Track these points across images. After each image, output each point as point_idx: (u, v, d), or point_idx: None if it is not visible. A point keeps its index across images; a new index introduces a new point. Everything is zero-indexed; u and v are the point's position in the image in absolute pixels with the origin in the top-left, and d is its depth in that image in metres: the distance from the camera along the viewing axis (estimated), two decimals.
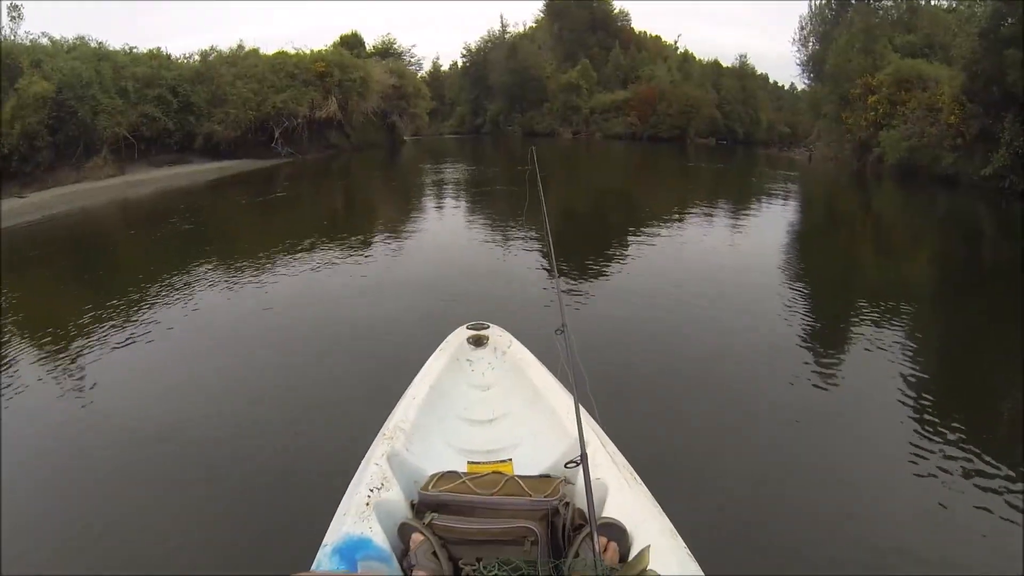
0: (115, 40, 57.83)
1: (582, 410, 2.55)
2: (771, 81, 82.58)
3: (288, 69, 40.96)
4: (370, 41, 61.54)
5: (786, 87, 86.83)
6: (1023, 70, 29.54)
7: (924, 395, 5.88)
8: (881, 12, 50.52)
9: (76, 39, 32.41)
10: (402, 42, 65.46)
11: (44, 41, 31.29)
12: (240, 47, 41.67)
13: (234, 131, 37.00)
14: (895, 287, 10.75)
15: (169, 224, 17.23)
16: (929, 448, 4.87)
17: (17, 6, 30.70)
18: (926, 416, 5.41)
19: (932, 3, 51.61)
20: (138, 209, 23.26)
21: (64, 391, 6.03)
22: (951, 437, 4.98)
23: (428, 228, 14.63)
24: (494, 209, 15.35)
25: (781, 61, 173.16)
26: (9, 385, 6.13)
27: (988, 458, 4.69)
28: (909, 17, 50.74)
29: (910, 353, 6.97)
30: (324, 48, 46.71)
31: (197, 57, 39.32)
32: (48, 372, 6.53)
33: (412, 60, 64.11)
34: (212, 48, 40.35)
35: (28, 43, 30.32)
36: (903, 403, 5.71)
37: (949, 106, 36.29)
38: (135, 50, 35.87)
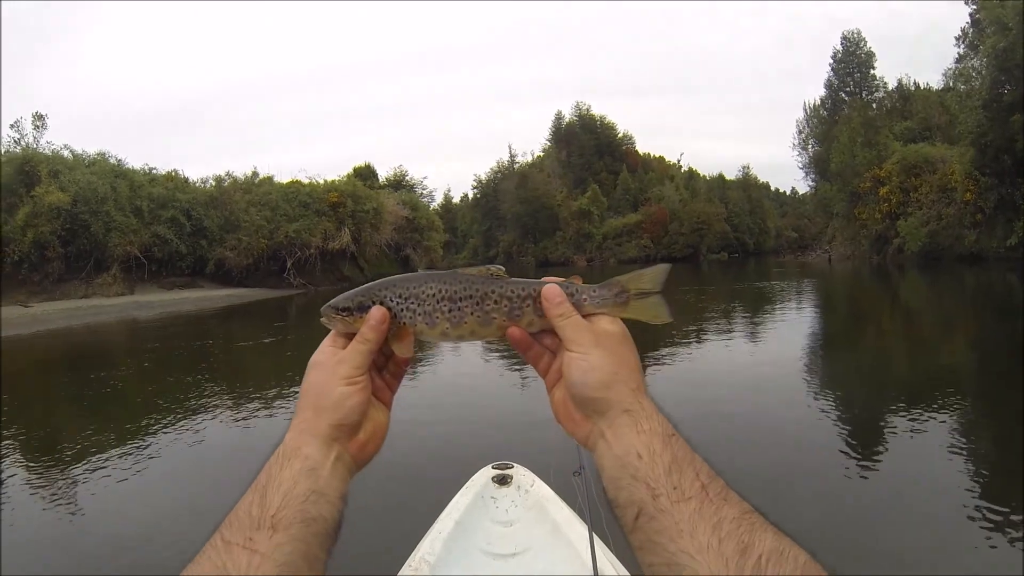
0: (135, 159, 60.36)
1: (598, 542, 2.67)
2: (772, 188, 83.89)
3: (301, 198, 41.76)
4: (383, 173, 63.90)
5: (787, 192, 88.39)
6: None
7: (972, 485, 5.67)
8: (875, 104, 51.53)
9: (97, 154, 33.57)
10: (414, 174, 67.68)
11: (65, 153, 32.29)
12: (255, 174, 42.92)
13: (246, 259, 37.24)
14: (932, 376, 10.49)
15: (177, 351, 16.53)
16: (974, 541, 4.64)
17: (42, 115, 31.91)
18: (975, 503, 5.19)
19: (922, 87, 53.01)
20: (146, 332, 22.58)
21: (52, 508, 6.05)
22: (995, 523, 4.78)
23: (447, 367, 14.03)
24: (497, 349, 14.96)
25: (779, 166, 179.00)
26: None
27: None
28: (903, 104, 51.88)
29: (951, 444, 6.76)
30: (337, 178, 47.99)
31: (212, 182, 40.40)
32: (39, 488, 6.61)
33: (424, 192, 65.98)
34: (228, 174, 41.62)
35: (49, 152, 31.18)
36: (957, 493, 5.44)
37: (963, 183, 35.99)
38: (154, 171, 36.92)
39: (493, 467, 3.76)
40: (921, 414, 7.80)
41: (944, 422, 7.53)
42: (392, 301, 0.81)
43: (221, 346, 17.62)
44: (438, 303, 0.81)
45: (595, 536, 2.63)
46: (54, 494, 6.48)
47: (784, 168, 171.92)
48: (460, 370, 13.47)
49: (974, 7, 36.62)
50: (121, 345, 19.65)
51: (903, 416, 7.84)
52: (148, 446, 7.90)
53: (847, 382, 10.75)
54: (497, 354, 14.49)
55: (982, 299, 23.53)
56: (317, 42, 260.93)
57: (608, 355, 0.74)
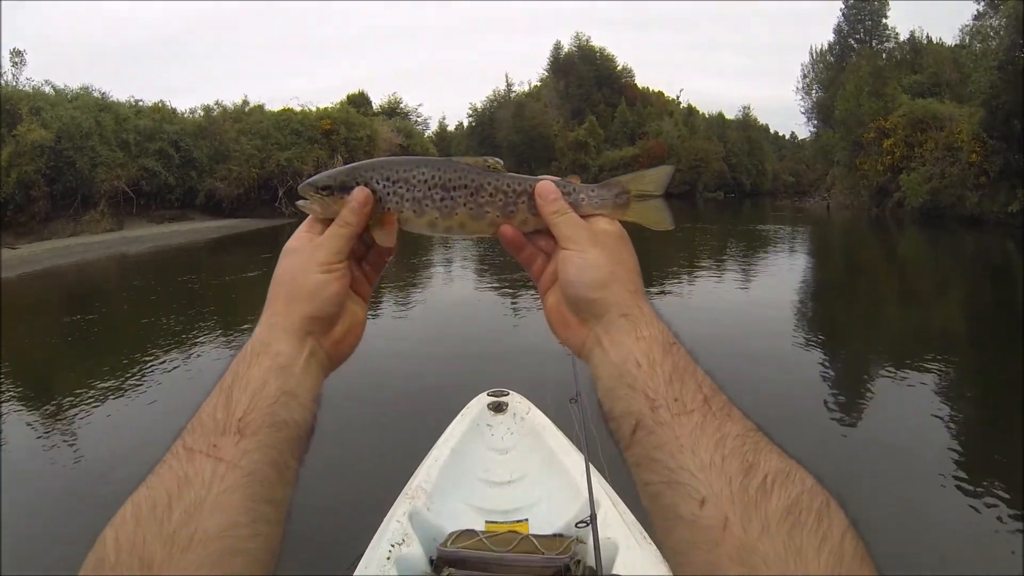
0: (121, 92, 58.36)
1: (594, 472, 2.66)
2: (771, 131, 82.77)
3: (293, 126, 40.52)
4: (377, 100, 62.27)
5: (787, 136, 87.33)
6: None
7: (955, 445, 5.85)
8: (885, 54, 50.19)
9: (80, 88, 32.29)
10: (409, 101, 66.00)
11: (47, 89, 31.10)
12: (244, 103, 41.40)
13: (237, 189, 36.36)
14: (922, 336, 10.55)
15: (166, 286, 16.22)
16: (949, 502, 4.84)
17: (20, 51, 30.54)
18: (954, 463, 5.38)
19: (935, 41, 51.74)
20: (136, 266, 22.12)
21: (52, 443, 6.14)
22: (972, 490, 4.92)
23: (441, 296, 13.85)
24: (510, 277, 14.62)
25: (780, 110, 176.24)
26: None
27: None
28: (913, 57, 50.82)
29: (934, 407, 6.82)
30: (330, 106, 46.41)
31: (201, 112, 39.07)
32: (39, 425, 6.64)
33: (419, 120, 64.68)
34: (217, 103, 40.24)
35: (30, 90, 30.02)
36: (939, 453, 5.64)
37: (969, 144, 35.38)
38: (140, 103, 35.64)
39: (489, 394, 3.80)
40: (907, 374, 7.77)
41: (928, 384, 7.49)
42: (378, 183, 0.75)
43: (211, 279, 17.39)
44: (429, 190, 0.75)
45: (591, 465, 2.65)
46: (48, 431, 6.49)
47: (784, 111, 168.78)
48: (455, 298, 13.37)
49: None
50: (109, 283, 19.35)
51: (888, 376, 7.82)
52: (141, 384, 7.80)
53: (836, 334, 10.79)
54: (492, 281, 14.42)
55: (979, 263, 23.51)
56: None
57: (606, 254, 0.71)
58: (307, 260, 0.71)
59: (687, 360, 0.65)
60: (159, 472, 0.60)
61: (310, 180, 0.76)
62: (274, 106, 43.04)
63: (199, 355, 9.04)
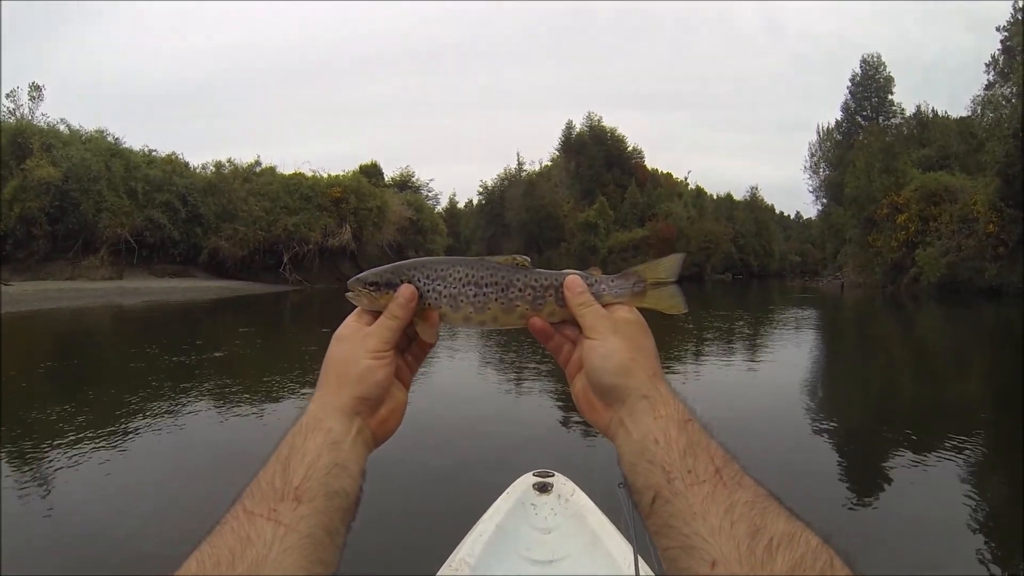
0: (136, 139, 58.96)
1: (640, 561, 2.34)
2: (777, 211, 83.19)
3: (303, 191, 40.60)
4: (389, 172, 62.90)
5: (791, 216, 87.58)
6: None
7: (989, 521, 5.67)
8: (892, 130, 50.54)
9: (95, 131, 32.46)
10: (421, 175, 66.65)
11: (61, 127, 31.13)
12: (256, 162, 41.78)
13: (241, 250, 36.05)
14: (948, 409, 10.37)
15: (163, 344, 15.28)
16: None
17: (39, 86, 30.79)
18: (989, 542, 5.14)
19: (940, 115, 52.21)
20: (132, 322, 21.28)
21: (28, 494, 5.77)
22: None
23: (487, 376, 13.44)
24: (555, 361, 14.07)
25: (784, 189, 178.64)
26: None
27: None
28: (920, 132, 51.04)
29: (954, 484, 6.57)
30: (342, 174, 46.58)
31: (212, 167, 39.22)
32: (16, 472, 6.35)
33: (430, 195, 65.17)
34: (228, 160, 40.41)
35: (44, 126, 30.09)
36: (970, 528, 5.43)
37: (985, 214, 34.88)
38: (154, 152, 35.73)
39: (534, 475, 3.80)
40: (927, 451, 7.63)
41: (950, 460, 7.30)
42: (420, 281, 0.83)
43: (207, 343, 16.31)
44: (464, 287, 0.83)
45: (639, 557, 2.44)
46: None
47: (789, 191, 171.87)
48: (505, 380, 12.88)
49: (1005, 34, 35.81)
50: (99, 334, 18.36)
51: (906, 451, 7.65)
52: (123, 448, 7.26)
53: (853, 410, 10.65)
54: (537, 363, 13.80)
55: (1001, 335, 22.44)
56: (332, 36, 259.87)
57: (626, 342, 0.76)
58: (358, 347, 0.79)
59: (701, 434, 0.71)
60: (220, 532, 0.66)
61: (359, 276, 0.84)
62: (286, 169, 43.50)
63: (181, 426, 8.34)
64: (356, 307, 0.83)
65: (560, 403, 10.30)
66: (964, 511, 5.86)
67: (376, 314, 0.81)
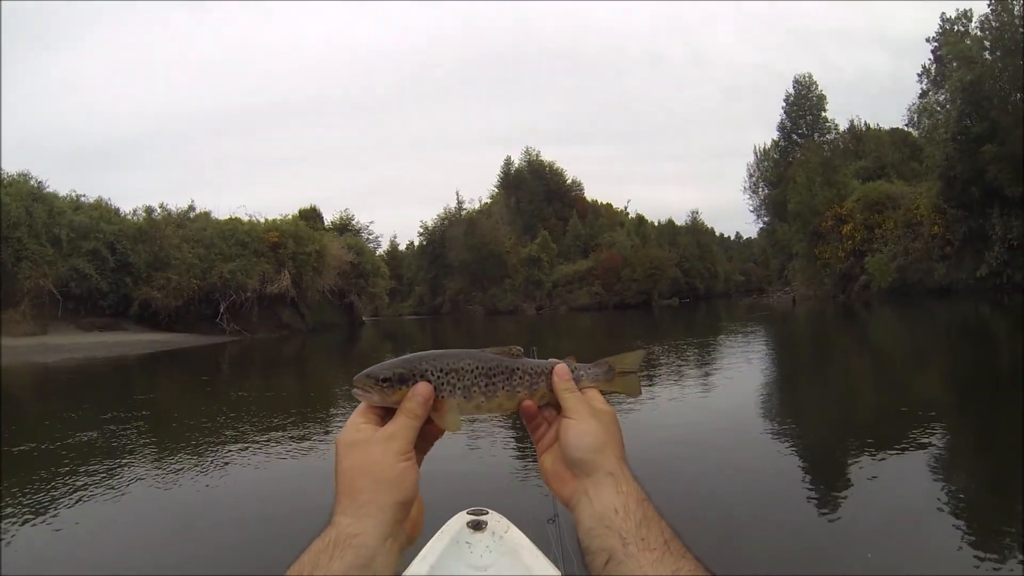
0: (62, 184, 55.63)
1: None
2: (717, 233, 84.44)
3: (239, 237, 38.34)
4: (328, 216, 61.18)
5: (731, 237, 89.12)
6: (1002, 162, 29.24)
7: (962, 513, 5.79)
8: (828, 145, 51.80)
9: (18, 174, 29.84)
10: (360, 218, 64.98)
11: None
12: (190, 208, 39.27)
13: (175, 300, 33.48)
14: (911, 407, 10.52)
15: (93, 406, 13.36)
16: None
17: None
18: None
19: (872, 128, 54.05)
20: (58, 381, 18.90)
21: None
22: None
23: None
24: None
25: (722, 212, 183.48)
26: None
27: None
28: (856, 145, 52.55)
29: (922, 480, 6.72)
30: (280, 218, 44.56)
31: (143, 213, 36.59)
32: None
33: (370, 237, 63.39)
34: (161, 206, 37.82)
35: None
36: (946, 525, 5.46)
37: (929, 217, 35.59)
38: (82, 198, 33.33)
39: (468, 513, 3.75)
40: (890, 450, 7.80)
41: (915, 456, 7.49)
42: (433, 375, 0.87)
43: (139, 401, 14.36)
44: (476, 378, 0.89)
45: None
46: None
47: (727, 213, 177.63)
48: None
49: (935, 44, 37.41)
50: (19, 397, 16.12)
51: (872, 453, 7.72)
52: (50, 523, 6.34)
53: (821, 415, 10.80)
54: None
55: (956, 331, 23.22)
56: (267, 82, 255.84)
57: (602, 426, 0.87)
58: (385, 451, 0.80)
59: (654, 512, 0.80)
60: None
61: (368, 372, 0.85)
62: (221, 214, 41.18)
63: (117, 495, 7.26)
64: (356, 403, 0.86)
65: (492, 441, 9.99)
66: (931, 503, 5.94)
67: (383, 411, 0.84)
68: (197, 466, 8.08)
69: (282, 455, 8.72)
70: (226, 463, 8.23)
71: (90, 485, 7.28)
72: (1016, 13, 30.71)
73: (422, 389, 0.83)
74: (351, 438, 0.81)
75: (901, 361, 17.16)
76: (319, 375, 20.50)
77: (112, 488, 7.27)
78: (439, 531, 3.55)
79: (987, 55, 32.03)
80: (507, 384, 0.90)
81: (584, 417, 0.87)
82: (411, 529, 0.82)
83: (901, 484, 6.67)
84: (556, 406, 0.90)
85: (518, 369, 0.90)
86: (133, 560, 5.46)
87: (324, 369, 25.50)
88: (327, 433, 9.98)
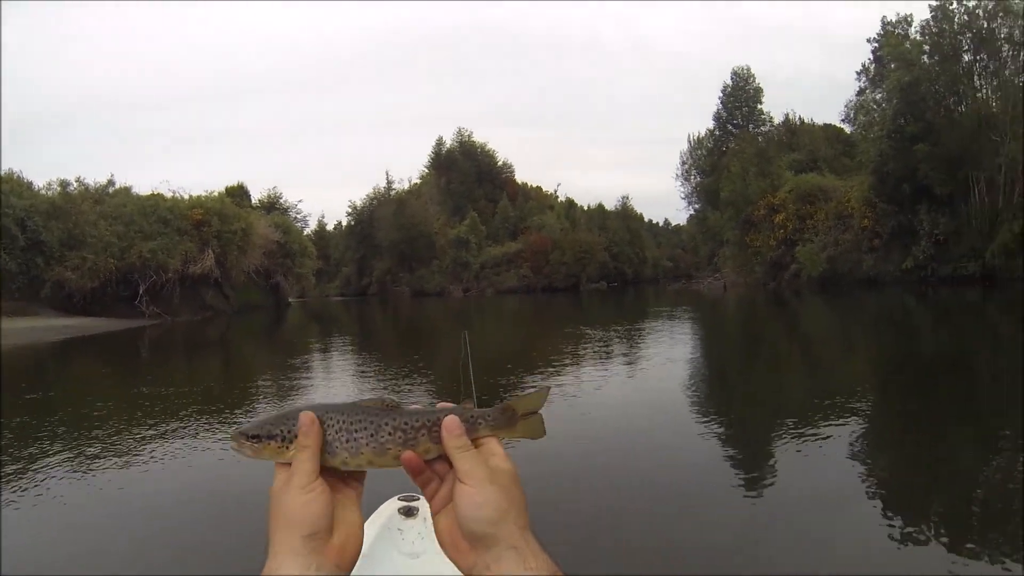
0: None
1: None
2: (647, 219, 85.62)
3: (161, 213, 35.74)
4: (256, 194, 58.76)
5: (660, 223, 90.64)
6: (934, 161, 30.43)
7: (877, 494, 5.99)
8: (763, 137, 53.05)
9: None
10: (289, 197, 62.53)
11: None
12: (109, 182, 36.58)
13: (91, 281, 30.95)
14: (840, 392, 10.60)
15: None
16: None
17: None
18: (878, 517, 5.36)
19: (807, 122, 55.77)
20: None
21: None
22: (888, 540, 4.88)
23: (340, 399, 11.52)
24: (413, 383, 13.82)
25: (652, 199, 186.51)
26: None
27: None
28: (790, 138, 53.97)
29: (847, 462, 6.88)
30: (204, 194, 41.72)
31: (57, 187, 33.69)
32: None
33: (298, 216, 61.12)
34: (77, 180, 35.07)
35: None
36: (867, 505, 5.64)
37: (860, 210, 36.88)
38: None
39: (399, 499, 3.77)
40: (817, 434, 7.89)
41: (841, 439, 7.61)
42: (295, 434, 0.85)
43: (52, 394, 12.88)
44: (336, 434, 0.85)
45: None
46: None
47: (656, 200, 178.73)
48: (352, 396, 10.97)
49: (876, 44, 38.74)
50: None
51: (799, 437, 7.86)
52: None
53: (750, 399, 10.98)
54: (397, 388, 12.93)
55: (883, 320, 24.07)
56: (197, 56, 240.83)
57: (501, 492, 0.80)
58: (287, 487, 0.79)
59: None
60: None
61: (241, 430, 0.85)
62: (143, 190, 38.45)
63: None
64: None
65: None
66: (856, 482, 6.16)
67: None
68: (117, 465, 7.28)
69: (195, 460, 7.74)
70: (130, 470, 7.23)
71: None
72: (955, 22, 32.17)
73: (303, 419, 0.81)
74: (271, 490, 0.80)
75: (829, 348, 17.65)
76: (243, 361, 19.28)
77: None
78: (370, 518, 3.54)
79: (925, 59, 33.43)
80: (372, 441, 0.84)
81: (480, 483, 0.78)
82: (337, 557, 0.78)
83: (827, 466, 6.75)
84: (448, 460, 0.82)
85: (386, 424, 0.84)
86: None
87: (251, 347, 24.17)
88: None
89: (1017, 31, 30.28)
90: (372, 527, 3.44)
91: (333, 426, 0.84)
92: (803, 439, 7.64)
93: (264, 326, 34.79)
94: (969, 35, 31.63)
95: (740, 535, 5.24)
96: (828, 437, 7.62)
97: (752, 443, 8.07)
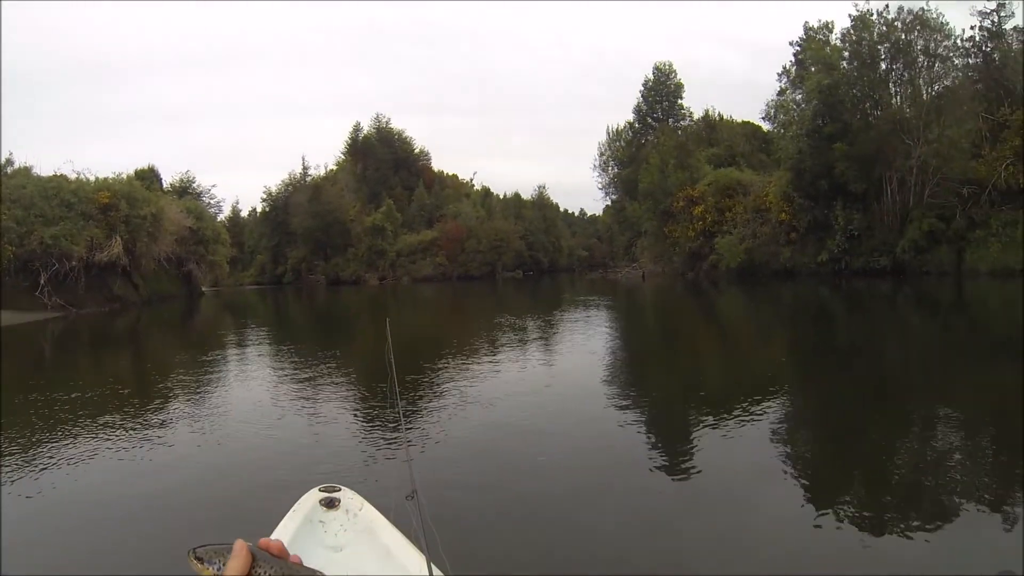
0: None
1: (435, 568, 2.71)
2: (562, 209, 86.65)
3: (64, 196, 33.14)
4: (168, 178, 55.78)
5: (575, 213, 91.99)
6: (850, 160, 32.10)
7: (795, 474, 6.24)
8: (680, 131, 54.52)
9: None
10: (202, 181, 59.66)
11: None
12: (8, 162, 33.89)
13: None
14: (755, 379, 11.15)
15: None
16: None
17: None
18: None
19: (726, 118, 57.89)
20: None
21: None
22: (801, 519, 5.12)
23: (266, 389, 12.10)
24: (330, 368, 14.04)
25: (568, 189, 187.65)
26: None
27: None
28: (709, 133, 55.78)
29: (761, 445, 7.11)
30: (112, 176, 38.97)
31: None
32: None
33: (212, 202, 58.34)
34: None
35: None
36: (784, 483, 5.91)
37: (778, 204, 38.63)
38: None
39: (320, 490, 3.75)
40: (736, 417, 8.05)
41: (759, 422, 7.81)
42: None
43: None
44: None
45: (432, 565, 2.71)
46: None
47: (573, 190, 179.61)
48: (275, 393, 11.71)
49: (798, 48, 40.97)
50: None
51: (718, 421, 8.02)
52: None
53: (670, 385, 11.27)
54: (313, 376, 13.09)
55: (800, 310, 25.65)
56: (104, 32, 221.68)
57: None
58: None
59: None
60: None
61: (193, 548, 0.95)
62: (44, 171, 35.72)
63: None
64: None
65: (342, 414, 9.90)
66: (774, 462, 6.42)
67: None
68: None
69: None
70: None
71: None
72: (875, 32, 34.07)
73: (236, 546, 0.89)
74: None
75: (747, 335, 18.75)
76: (153, 357, 18.04)
77: None
78: (291, 510, 3.51)
79: (845, 64, 35.24)
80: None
81: None
82: None
83: (746, 448, 6.93)
84: None
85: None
86: None
87: (161, 342, 22.83)
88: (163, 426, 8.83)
89: (932, 44, 32.29)
90: (293, 520, 3.39)
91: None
92: (722, 423, 7.85)
93: (176, 318, 33.22)
94: (887, 44, 33.56)
95: (660, 517, 5.35)
96: (746, 420, 7.87)
97: (671, 428, 8.27)
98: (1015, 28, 32.76)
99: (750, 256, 40.04)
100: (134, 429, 8.73)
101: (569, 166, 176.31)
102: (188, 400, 11.08)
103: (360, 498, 3.74)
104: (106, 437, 8.28)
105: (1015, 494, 5.58)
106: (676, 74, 59.04)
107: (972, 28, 33.68)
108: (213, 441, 8.28)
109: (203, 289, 47.95)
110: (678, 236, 46.58)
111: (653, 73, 59.06)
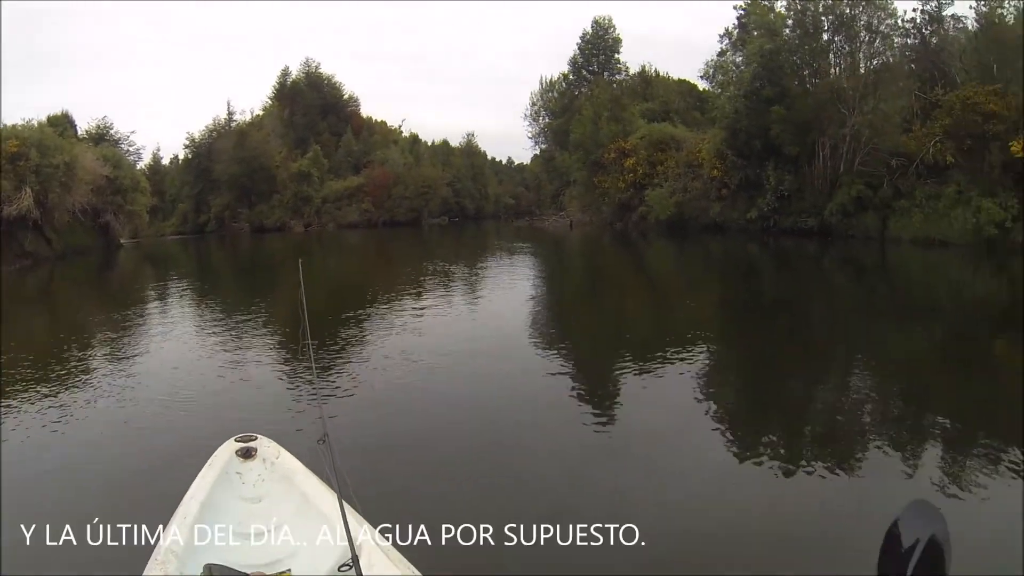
0: None
1: (353, 512, 2.71)
2: (490, 157, 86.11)
3: None
4: (83, 125, 52.69)
5: (503, 161, 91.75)
6: (786, 124, 33.23)
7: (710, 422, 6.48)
8: (615, 84, 54.87)
9: None
10: (120, 128, 56.22)
11: None
12: None
13: None
14: (683, 329, 11.41)
15: None
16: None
17: None
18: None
19: (662, 75, 58.56)
20: None
21: None
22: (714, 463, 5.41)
23: (163, 346, 11.96)
24: (240, 320, 14.08)
25: (496, 137, 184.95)
26: None
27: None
28: (644, 88, 56.33)
29: (685, 393, 7.32)
30: (20, 123, 36.58)
31: None
32: None
33: (130, 149, 55.31)
34: None
35: None
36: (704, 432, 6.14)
37: (710, 161, 39.93)
38: None
39: (236, 440, 3.66)
40: (661, 368, 8.34)
41: (684, 373, 8.10)
42: None
43: None
44: None
45: (345, 504, 2.69)
46: None
47: (501, 139, 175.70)
48: (179, 347, 11.84)
49: (742, 11, 41.46)
50: None
51: (642, 371, 8.27)
52: None
53: (596, 340, 11.34)
54: (219, 326, 13.21)
55: (729, 264, 26.97)
56: None
57: None
58: None
59: None
60: None
61: None
62: None
63: None
64: None
65: (256, 363, 9.87)
66: (698, 411, 6.57)
67: None
68: None
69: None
70: None
71: None
72: (820, 3, 34.77)
73: None
74: None
75: (675, 288, 19.21)
76: (68, 318, 17.40)
77: None
78: (207, 463, 3.45)
79: (788, 31, 36.20)
80: None
81: None
82: None
83: (671, 397, 7.26)
84: None
85: None
86: None
87: (77, 297, 22.31)
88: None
89: (876, 20, 33.48)
90: (209, 473, 3.35)
91: None
92: (647, 373, 8.14)
93: (92, 272, 32.54)
94: (832, 16, 34.48)
95: (582, 466, 5.56)
96: (671, 371, 8.17)
97: (596, 378, 8.48)
98: (953, 16, 34.58)
99: (680, 209, 41.25)
100: (48, 394, 8.56)
101: (498, 114, 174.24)
102: (102, 360, 10.88)
103: (277, 445, 3.66)
104: (8, 407, 8.01)
105: (923, 436, 6.14)
106: (615, 29, 59.10)
107: (914, 11, 35.18)
108: (128, 401, 8.16)
109: (121, 241, 45.92)
110: (608, 187, 47.37)
111: (592, 26, 58.98)
